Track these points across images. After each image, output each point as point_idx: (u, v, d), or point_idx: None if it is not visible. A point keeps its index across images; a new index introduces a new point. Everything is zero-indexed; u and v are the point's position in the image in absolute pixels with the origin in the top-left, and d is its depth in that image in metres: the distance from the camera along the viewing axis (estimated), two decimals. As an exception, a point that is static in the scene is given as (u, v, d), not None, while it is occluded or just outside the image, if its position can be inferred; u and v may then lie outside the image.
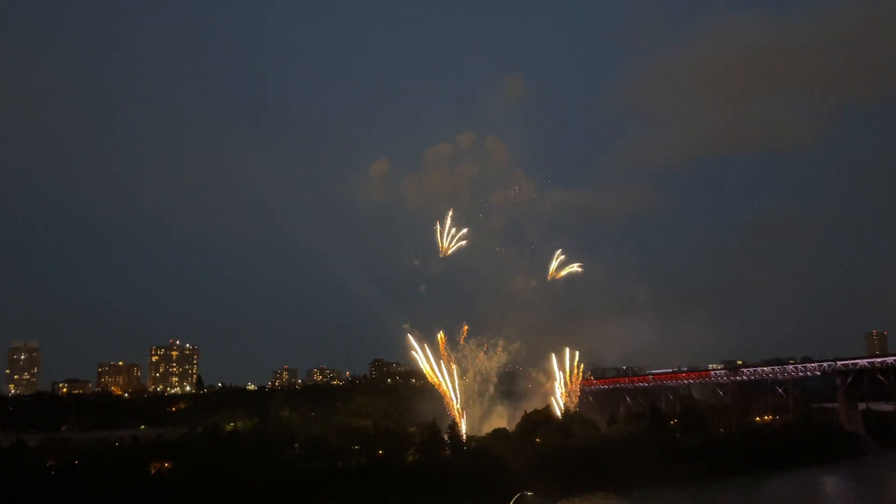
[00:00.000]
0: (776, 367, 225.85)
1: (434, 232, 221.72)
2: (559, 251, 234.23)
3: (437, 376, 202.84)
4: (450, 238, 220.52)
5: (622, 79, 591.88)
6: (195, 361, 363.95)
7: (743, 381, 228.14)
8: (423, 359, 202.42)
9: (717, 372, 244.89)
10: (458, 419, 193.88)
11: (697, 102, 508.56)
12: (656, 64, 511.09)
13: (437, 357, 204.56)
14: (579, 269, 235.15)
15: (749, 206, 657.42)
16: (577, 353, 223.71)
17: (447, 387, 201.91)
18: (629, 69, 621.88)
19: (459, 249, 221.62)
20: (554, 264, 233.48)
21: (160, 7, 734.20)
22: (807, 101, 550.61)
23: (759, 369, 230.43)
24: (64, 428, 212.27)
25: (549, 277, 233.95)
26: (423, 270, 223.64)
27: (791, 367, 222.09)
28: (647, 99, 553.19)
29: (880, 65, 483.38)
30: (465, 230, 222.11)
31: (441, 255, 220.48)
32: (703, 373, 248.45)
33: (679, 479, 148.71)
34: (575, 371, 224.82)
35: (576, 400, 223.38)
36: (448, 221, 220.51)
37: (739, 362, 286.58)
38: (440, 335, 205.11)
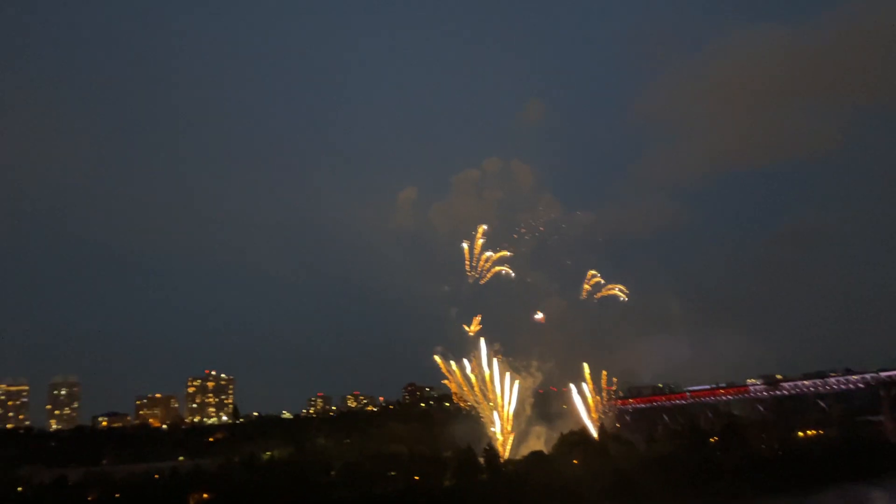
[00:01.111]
0: (817, 381, 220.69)
1: (462, 256, 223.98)
2: (593, 271, 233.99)
3: (476, 398, 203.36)
4: (479, 260, 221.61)
5: (644, 96, 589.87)
6: (230, 391, 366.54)
7: (783, 395, 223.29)
8: (459, 382, 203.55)
9: (757, 387, 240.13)
10: (504, 441, 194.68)
11: (720, 116, 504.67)
12: (676, 80, 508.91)
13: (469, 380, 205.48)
14: (621, 293, 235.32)
15: (781, 217, 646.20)
16: (605, 372, 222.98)
17: (486, 408, 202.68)
18: (650, 86, 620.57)
19: (494, 274, 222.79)
20: (588, 284, 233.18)
21: (192, 35, 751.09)
22: (830, 110, 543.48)
23: (799, 383, 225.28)
24: (104, 461, 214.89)
25: (583, 296, 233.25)
26: (454, 295, 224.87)
27: (833, 379, 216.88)
28: (669, 115, 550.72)
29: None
30: (501, 253, 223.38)
31: (469, 280, 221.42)
32: (742, 388, 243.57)
33: (721, 499, 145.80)
34: (608, 390, 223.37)
35: (612, 420, 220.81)
36: (479, 241, 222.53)
37: (779, 376, 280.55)
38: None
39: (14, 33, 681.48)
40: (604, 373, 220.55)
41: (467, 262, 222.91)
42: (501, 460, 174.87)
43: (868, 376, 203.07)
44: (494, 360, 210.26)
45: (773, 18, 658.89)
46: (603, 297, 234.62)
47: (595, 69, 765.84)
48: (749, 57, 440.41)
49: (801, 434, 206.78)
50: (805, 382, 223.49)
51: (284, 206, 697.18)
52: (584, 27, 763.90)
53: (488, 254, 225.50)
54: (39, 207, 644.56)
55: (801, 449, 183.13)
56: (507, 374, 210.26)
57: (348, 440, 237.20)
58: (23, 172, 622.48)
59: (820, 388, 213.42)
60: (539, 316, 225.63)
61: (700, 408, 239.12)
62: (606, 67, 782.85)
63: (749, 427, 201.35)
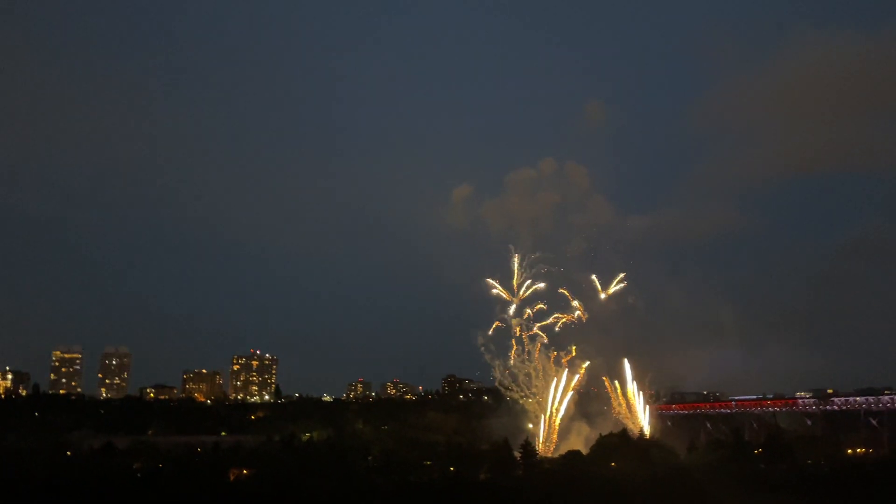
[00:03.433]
0: (870, 397, 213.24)
1: (512, 257, 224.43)
2: (622, 275, 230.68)
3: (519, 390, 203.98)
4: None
5: (706, 99, 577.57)
6: (274, 371, 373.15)
7: (833, 410, 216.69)
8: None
9: (806, 400, 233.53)
10: (544, 438, 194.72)
11: (786, 121, 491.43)
12: (742, 83, 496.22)
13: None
14: (623, 285, 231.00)
15: (844, 229, 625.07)
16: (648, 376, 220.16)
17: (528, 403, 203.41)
18: (714, 89, 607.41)
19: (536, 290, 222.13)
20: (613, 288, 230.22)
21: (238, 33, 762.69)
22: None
23: (851, 399, 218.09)
24: (150, 432, 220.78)
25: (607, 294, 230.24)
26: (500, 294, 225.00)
27: (887, 397, 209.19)
28: (732, 118, 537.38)
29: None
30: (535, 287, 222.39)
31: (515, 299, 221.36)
32: (790, 401, 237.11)
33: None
34: (650, 394, 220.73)
35: (654, 424, 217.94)
36: (516, 260, 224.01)
37: (830, 391, 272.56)
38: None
39: None
40: (647, 377, 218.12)
41: (515, 271, 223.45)
42: (539, 457, 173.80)
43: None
44: (539, 353, 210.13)
45: (845, 24, 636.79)
46: (648, 300, 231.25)
47: (657, 71, 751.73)
48: (819, 63, 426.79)
49: (850, 451, 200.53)
50: (857, 398, 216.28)
51: (339, 194, 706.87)
52: (648, 28, 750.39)
53: (534, 259, 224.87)
54: (100, 177, 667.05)
55: (849, 466, 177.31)
56: (553, 368, 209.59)
57: (386, 427, 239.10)
58: (84, 138, 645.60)
59: (872, 406, 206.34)
60: (577, 313, 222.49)
61: (745, 418, 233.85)
62: (669, 69, 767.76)
63: (795, 441, 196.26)
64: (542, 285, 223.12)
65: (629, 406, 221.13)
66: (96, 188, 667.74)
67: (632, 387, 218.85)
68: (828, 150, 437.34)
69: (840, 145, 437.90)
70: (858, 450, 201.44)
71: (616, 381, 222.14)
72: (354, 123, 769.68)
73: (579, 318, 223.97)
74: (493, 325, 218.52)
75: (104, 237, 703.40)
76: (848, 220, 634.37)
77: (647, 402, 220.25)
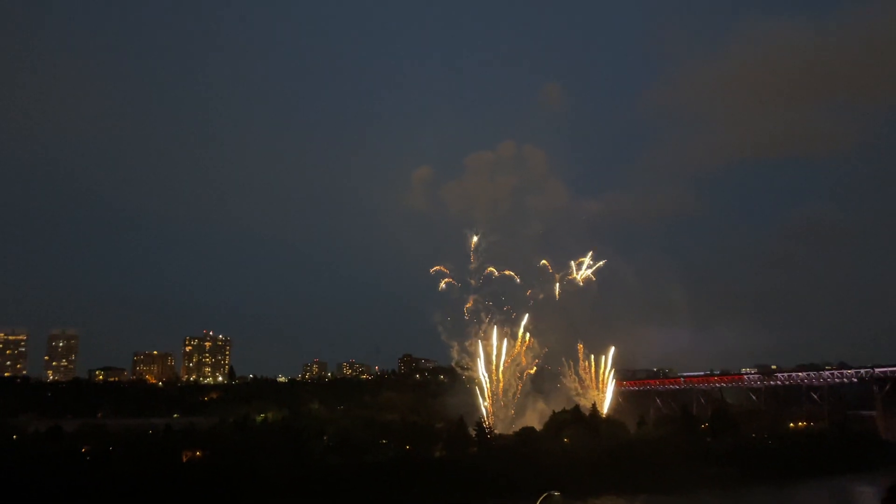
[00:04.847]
0: (811, 373, 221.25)
1: (469, 239, 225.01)
2: (591, 253, 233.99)
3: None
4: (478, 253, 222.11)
5: (659, 84, 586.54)
6: (227, 353, 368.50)
7: (777, 385, 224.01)
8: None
9: (751, 376, 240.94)
10: (495, 414, 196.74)
11: (736, 107, 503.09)
12: (694, 69, 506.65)
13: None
14: (601, 263, 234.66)
15: (789, 211, 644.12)
16: (612, 353, 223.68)
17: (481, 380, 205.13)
18: (666, 74, 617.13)
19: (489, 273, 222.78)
20: (584, 266, 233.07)
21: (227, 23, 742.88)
22: (848, 107, 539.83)
23: (793, 374, 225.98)
24: (100, 414, 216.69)
25: (571, 277, 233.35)
26: (459, 274, 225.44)
27: (827, 373, 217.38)
28: (684, 103, 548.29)
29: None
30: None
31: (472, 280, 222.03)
32: (736, 377, 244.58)
33: (709, 484, 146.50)
34: (605, 372, 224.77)
35: (603, 400, 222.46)
36: (475, 240, 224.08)
37: (774, 367, 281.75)
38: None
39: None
40: (611, 352, 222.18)
41: (471, 253, 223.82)
42: (493, 434, 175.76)
43: (862, 371, 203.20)
44: (494, 331, 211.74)
45: (795, 13, 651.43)
46: (601, 280, 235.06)
47: (611, 56, 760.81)
48: (769, 51, 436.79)
49: (792, 425, 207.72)
50: (799, 374, 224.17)
51: (295, 174, 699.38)
52: (603, 13, 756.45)
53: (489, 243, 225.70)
54: (46, 158, 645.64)
55: (791, 439, 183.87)
56: (504, 344, 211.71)
57: (342, 407, 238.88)
58: (27, 121, 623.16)
59: (814, 381, 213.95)
60: (532, 292, 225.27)
61: (693, 394, 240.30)
62: (626, 54, 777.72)
63: (740, 415, 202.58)
64: (498, 266, 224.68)
65: (581, 383, 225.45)
66: (36, 169, 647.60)
67: (582, 365, 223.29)
68: (776, 135, 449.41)
69: (788, 131, 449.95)
70: (800, 423, 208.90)
71: (572, 360, 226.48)
72: (314, 104, 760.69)
73: (535, 297, 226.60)
74: (447, 306, 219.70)
75: (49, 217, 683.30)
76: (795, 204, 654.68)
77: (616, 379, 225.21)
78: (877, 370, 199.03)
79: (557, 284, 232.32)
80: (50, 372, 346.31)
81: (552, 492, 79.72)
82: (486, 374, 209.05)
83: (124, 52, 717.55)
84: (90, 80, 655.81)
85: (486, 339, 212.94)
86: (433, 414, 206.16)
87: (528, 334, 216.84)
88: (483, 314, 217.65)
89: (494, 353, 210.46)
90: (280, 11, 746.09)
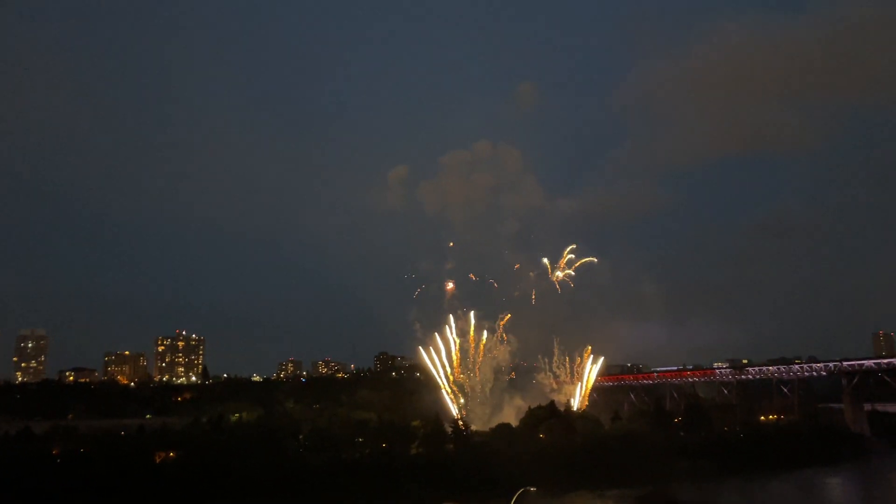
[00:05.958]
0: (782, 367, 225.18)
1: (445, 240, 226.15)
2: (571, 247, 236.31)
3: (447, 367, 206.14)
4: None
5: (630, 82, 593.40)
6: (201, 352, 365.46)
7: (748, 380, 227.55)
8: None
9: (723, 371, 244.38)
10: (467, 410, 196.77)
11: (703, 104, 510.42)
12: (662, 67, 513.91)
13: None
14: (594, 260, 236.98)
15: (759, 207, 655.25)
16: (589, 351, 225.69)
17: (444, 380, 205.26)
18: (637, 73, 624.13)
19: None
20: (564, 260, 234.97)
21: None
22: (814, 106, 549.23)
23: (764, 369, 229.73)
24: (70, 416, 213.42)
25: (553, 273, 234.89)
26: (435, 272, 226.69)
27: (797, 366, 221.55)
28: (653, 101, 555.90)
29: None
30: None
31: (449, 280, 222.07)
32: (708, 371, 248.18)
33: (682, 477, 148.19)
34: (575, 367, 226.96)
35: (576, 396, 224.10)
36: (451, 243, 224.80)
37: (745, 361, 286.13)
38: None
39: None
40: (587, 351, 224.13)
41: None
42: (469, 431, 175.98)
43: (831, 365, 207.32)
44: (471, 330, 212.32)
45: (764, 11, 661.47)
46: (576, 275, 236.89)
47: (586, 56, 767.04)
48: (737, 48, 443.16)
49: (763, 418, 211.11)
50: (770, 368, 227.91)
51: (270, 172, 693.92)
52: (577, 14, 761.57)
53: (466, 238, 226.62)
54: (12, 157, 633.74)
55: (762, 432, 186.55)
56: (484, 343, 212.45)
57: (318, 406, 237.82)
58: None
59: (784, 375, 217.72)
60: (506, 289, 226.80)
61: (666, 388, 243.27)
62: (597, 54, 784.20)
63: (713, 409, 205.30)
64: (473, 265, 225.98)
65: (556, 379, 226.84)
66: (2, 168, 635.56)
67: (557, 362, 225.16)
68: (744, 132, 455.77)
69: (756, 128, 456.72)
70: (771, 416, 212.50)
71: (548, 357, 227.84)
72: (286, 101, 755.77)
73: (510, 295, 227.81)
74: (422, 303, 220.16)
75: (16, 216, 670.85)
76: (763, 200, 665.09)
77: (574, 375, 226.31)
78: (845, 363, 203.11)
79: (533, 282, 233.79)
80: (19, 373, 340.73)
81: (528, 488, 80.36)
82: (446, 368, 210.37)
83: (85, 49, 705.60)
84: (57, 76, 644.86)
85: (463, 336, 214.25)
86: (409, 412, 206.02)
87: (502, 331, 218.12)
88: (460, 312, 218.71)
89: (471, 350, 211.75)
90: (252, 6, 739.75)
